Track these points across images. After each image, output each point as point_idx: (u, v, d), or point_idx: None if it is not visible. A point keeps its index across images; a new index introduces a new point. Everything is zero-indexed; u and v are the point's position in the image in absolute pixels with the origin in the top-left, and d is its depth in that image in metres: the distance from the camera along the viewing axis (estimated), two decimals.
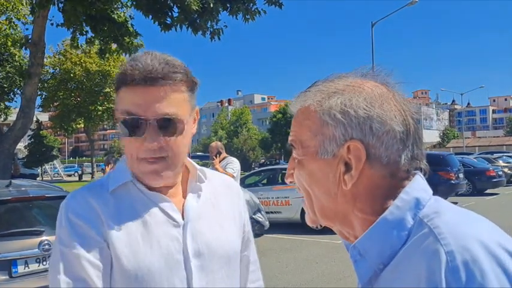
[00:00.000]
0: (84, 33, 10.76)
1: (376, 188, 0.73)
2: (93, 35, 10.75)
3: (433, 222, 0.66)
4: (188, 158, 1.15)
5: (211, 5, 9.49)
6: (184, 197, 1.11)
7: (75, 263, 0.95)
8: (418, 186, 0.73)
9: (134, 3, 9.93)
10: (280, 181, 10.89)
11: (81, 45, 11.85)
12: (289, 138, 0.80)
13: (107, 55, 11.46)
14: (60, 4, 9.60)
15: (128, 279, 0.96)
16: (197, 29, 10.09)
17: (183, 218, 1.06)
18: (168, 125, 1.00)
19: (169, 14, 10.07)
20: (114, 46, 11.17)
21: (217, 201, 1.15)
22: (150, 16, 9.77)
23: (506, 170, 19.90)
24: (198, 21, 9.97)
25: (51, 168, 46.44)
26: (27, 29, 18.10)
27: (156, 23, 9.85)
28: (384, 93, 0.74)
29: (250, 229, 1.23)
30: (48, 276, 0.99)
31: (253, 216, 8.01)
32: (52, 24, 10.76)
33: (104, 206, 1.01)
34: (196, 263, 1.02)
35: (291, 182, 0.82)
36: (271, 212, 9.75)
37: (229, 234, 1.12)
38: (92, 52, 36.50)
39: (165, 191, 1.07)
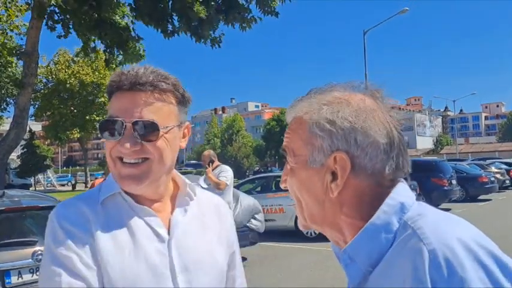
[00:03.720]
0: (92, 41, 10.85)
1: (362, 195, 0.76)
2: (100, 43, 10.85)
3: (416, 223, 0.70)
4: (178, 173, 1.16)
5: (212, 14, 9.63)
6: (172, 212, 1.10)
7: (71, 265, 0.95)
8: (402, 192, 0.77)
9: (135, 14, 10.03)
10: (274, 189, 10.89)
11: (90, 53, 11.89)
12: (283, 144, 0.84)
13: (113, 65, 11.49)
14: (57, 15, 9.68)
15: None
16: (200, 37, 10.21)
17: (169, 233, 1.05)
18: (145, 130, 1.00)
19: (170, 21, 10.20)
20: (119, 57, 11.24)
21: (205, 218, 1.15)
22: (151, 25, 9.90)
23: (498, 176, 20.03)
24: (199, 29, 10.08)
25: (44, 177, 46.11)
26: (21, 39, 18.11)
27: (159, 30, 9.98)
28: (369, 106, 0.78)
29: (238, 250, 1.23)
30: (40, 282, 0.98)
31: (247, 224, 8.02)
32: (59, 37, 10.76)
33: (95, 216, 1.02)
34: (183, 279, 1.02)
35: (285, 187, 0.86)
36: (265, 220, 9.76)
37: (216, 252, 1.12)
38: (82, 62, 36.64)
39: (152, 205, 1.07)
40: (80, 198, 1.07)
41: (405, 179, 0.80)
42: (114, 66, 11.67)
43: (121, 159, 1.01)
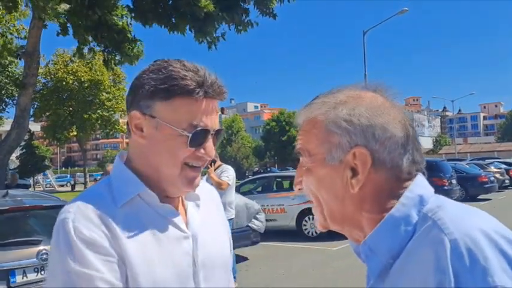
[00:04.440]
0: (88, 43, 10.84)
1: (381, 190, 0.77)
2: (95, 45, 10.83)
3: (436, 215, 0.71)
4: None
5: (217, 11, 9.62)
6: (183, 206, 1.09)
7: (92, 286, 0.88)
8: (421, 184, 0.78)
9: (133, 14, 10.04)
10: (275, 189, 10.91)
11: (85, 54, 11.86)
12: (297, 146, 0.85)
13: (112, 65, 11.50)
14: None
15: None
16: (205, 35, 10.20)
17: (188, 229, 1.05)
18: (217, 136, 1.06)
19: (173, 15, 10.22)
20: (117, 57, 11.23)
21: (209, 210, 1.15)
22: (152, 24, 9.91)
23: (498, 175, 20.05)
24: (203, 26, 10.08)
25: (43, 178, 46.06)
26: (23, 40, 18.09)
27: (163, 26, 9.99)
28: (383, 103, 0.80)
29: (230, 233, 1.25)
30: None
31: (249, 224, 8.01)
32: (58, 34, 10.74)
33: (114, 221, 0.94)
34: (203, 275, 1.03)
35: (300, 190, 0.85)
36: (266, 220, 9.76)
37: (225, 243, 1.15)
38: (79, 62, 36.67)
39: (172, 201, 1.05)
40: (91, 200, 0.97)
41: (422, 173, 0.81)
42: (112, 65, 11.67)
43: (187, 164, 1.01)
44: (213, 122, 1.02)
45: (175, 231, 1.02)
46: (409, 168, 0.78)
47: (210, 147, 1.02)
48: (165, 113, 0.98)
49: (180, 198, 1.10)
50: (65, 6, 7.75)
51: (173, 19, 10.20)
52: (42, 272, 3.98)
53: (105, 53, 11.18)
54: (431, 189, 0.78)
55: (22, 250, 3.98)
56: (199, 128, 0.99)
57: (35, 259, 3.95)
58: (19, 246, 4.01)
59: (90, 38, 10.70)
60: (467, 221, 0.69)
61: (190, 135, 0.98)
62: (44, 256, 3.97)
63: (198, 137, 0.99)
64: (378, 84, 0.83)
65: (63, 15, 8.89)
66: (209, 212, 1.14)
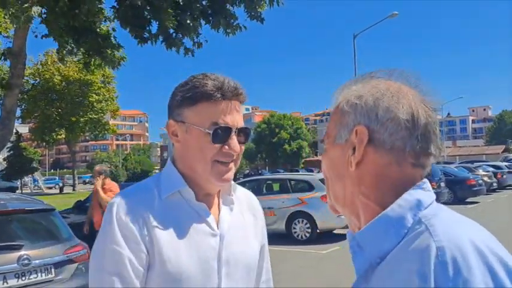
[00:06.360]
0: (68, 45, 10.64)
1: (381, 175, 0.76)
2: (75, 47, 10.62)
3: (429, 221, 0.70)
4: None
5: (189, 23, 9.47)
6: (218, 207, 1.21)
7: (119, 261, 1.05)
8: (423, 189, 0.76)
9: (117, 15, 9.90)
10: (265, 191, 10.87)
11: (66, 57, 11.68)
12: None
13: (92, 68, 11.38)
14: (43, 15, 9.47)
15: (169, 281, 1.07)
16: (171, 45, 10.02)
17: (218, 228, 1.17)
18: (243, 135, 1.18)
19: (147, 28, 10.03)
20: (97, 59, 11.06)
21: (243, 215, 1.27)
22: (128, 28, 9.73)
23: (486, 178, 20.24)
24: (173, 37, 9.92)
25: (31, 180, 45.48)
26: (9, 42, 17.79)
27: (134, 36, 9.81)
28: (398, 89, 0.79)
29: (266, 242, 1.35)
30: (90, 267, 1.10)
31: None
32: (36, 36, 10.59)
33: (153, 212, 1.10)
34: (225, 271, 1.14)
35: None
36: None
37: (252, 246, 1.25)
38: (69, 61, 36.22)
39: (208, 202, 1.18)
40: (139, 191, 1.15)
41: (428, 179, 0.80)
42: (93, 68, 11.53)
43: (217, 161, 1.14)
44: (234, 120, 1.14)
45: (205, 227, 1.15)
46: (414, 156, 0.75)
47: (234, 143, 1.14)
48: (192, 117, 1.14)
49: (217, 201, 1.22)
50: (37, 10, 7.53)
51: (152, 27, 10.01)
52: (23, 278, 3.88)
53: (86, 56, 11.00)
54: (433, 196, 0.76)
55: (3, 255, 3.87)
56: (220, 126, 1.12)
57: (15, 264, 3.85)
58: (0, 251, 3.90)
59: (71, 41, 10.48)
60: (459, 231, 0.68)
61: (211, 132, 1.11)
62: (25, 261, 3.87)
63: (220, 134, 1.12)
64: (400, 71, 0.84)
65: (42, 18, 8.67)
66: (242, 217, 1.26)
